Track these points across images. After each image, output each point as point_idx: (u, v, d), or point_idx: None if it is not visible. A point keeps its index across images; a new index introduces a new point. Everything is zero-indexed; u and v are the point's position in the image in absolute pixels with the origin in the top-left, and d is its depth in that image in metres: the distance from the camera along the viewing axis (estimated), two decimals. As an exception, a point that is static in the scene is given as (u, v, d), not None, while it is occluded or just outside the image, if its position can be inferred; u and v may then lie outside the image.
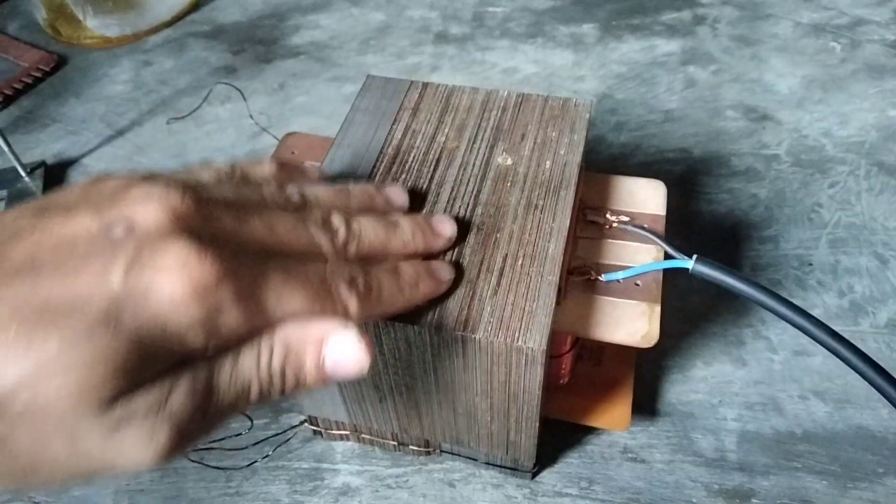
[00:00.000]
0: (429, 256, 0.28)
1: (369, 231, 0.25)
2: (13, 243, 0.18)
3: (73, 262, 0.18)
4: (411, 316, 0.26)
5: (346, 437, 0.38)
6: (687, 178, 0.52)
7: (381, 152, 0.33)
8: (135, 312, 0.18)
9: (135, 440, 0.18)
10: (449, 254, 0.28)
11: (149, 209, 0.19)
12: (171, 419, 0.18)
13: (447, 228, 0.28)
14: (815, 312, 0.38)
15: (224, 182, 0.23)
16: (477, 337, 0.26)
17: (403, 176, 0.32)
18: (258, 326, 0.20)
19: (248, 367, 0.20)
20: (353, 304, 0.22)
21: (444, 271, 0.27)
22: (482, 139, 0.33)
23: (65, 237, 0.18)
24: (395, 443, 0.37)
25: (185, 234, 0.19)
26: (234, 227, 0.21)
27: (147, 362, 0.18)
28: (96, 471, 0.18)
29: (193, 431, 0.19)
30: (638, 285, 0.31)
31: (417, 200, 0.30)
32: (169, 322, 0.18)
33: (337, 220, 0.24)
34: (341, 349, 0.21)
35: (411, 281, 0.25)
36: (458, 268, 0.28)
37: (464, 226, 0.29)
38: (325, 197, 0.25)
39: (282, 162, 0.27)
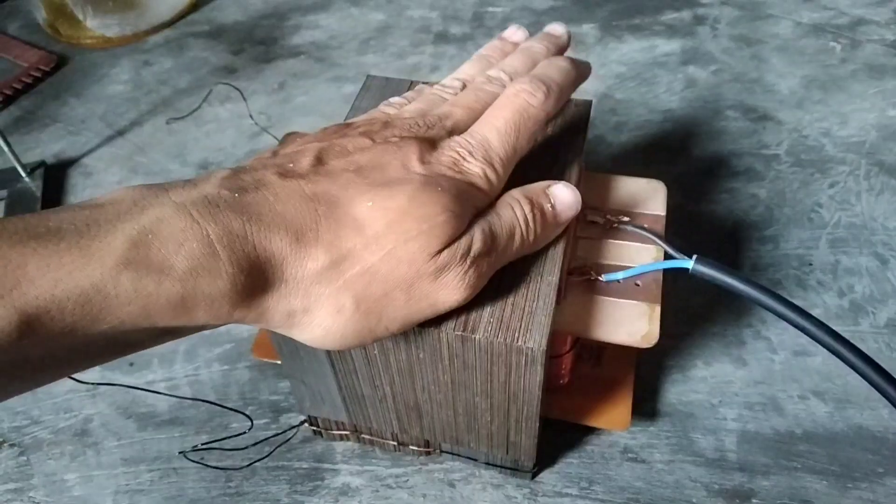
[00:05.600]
0: None
1: (518, 63, 0.31)
2: (326, 157, 0.25)
3: (379, 159, 0.25)
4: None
5: (346, 437, 0.38)
6: (687, 178, 0.52)
7: (381, 152, 0.33)
8: (447, 177, 0.25)
9: (452, 281, 0.24)
10: None
11: (409, 129, 0.27)
12: (474, 262, 0.24)
13: (561, 28, 0.34)
14: (815, 312, 0.38)
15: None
16: (477, 337, 0.26)
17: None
18: (500, 172, 0.27)
19: (509, 216, 0.26)
20: (541, 106, 0.28)
21: (569, 62, 0.31)
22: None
23: (358, 147, 0.25)
24: (395, 443, 0.37)
25: (434, 142, 0.26)
26: (447, 125, 0.28)
27: (464, 211, 0.24)
28: (421, 311, 0.24)
29: (486, 272, 0.25)
30: (638, 285, 0.31)
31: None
32: (471, 180, 0.25)
33: (494, 73, 0.30)
34: (562, 193, 0.27)
35: (565, 66, 0.30)
36: None
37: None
38: (472, 70, 0.32)
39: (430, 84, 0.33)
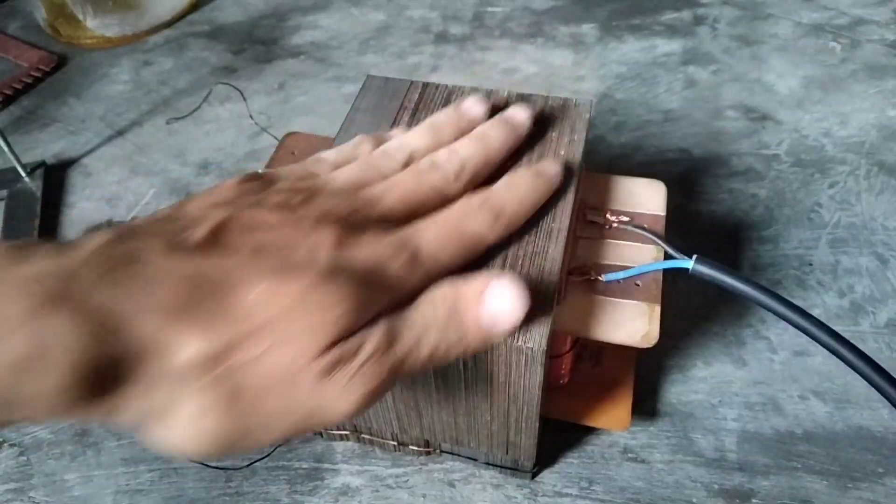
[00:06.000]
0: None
1: (470, 152, 0.28)
2: (226, 230, 0.21)
3: (286, 240, 0.22)
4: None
5: (346, 437, 0.38)
6: (687, 178, 0.52)
7: (381, 152, 0.33)
8: (360, 270, 0.22)
9: (340, 383, 0.20)
10: None
11: (336, 206, 0.24)
12: (368, 363, 0.21)
13: (523, 115, 0.31)
14: (815, 312, 0.38)
15: (350, 170, 0.27)
16: (477, 337, 0.26)
17: (403, 176, 0.32)
18: (420, 280, 0.23)
19: (423, 319, 0.22)
20: (488, 231, 0.26)
21: (551, 166, 0.29)
22: (482, 139, 0.33)
23: (265, 223, 0.22)
24: (395, 443, 0.37)
25: (357, 229, 0.23)
26: (377, 210, 0.25)
27: (369, 306, 0.21)
28: (306, 419, 0.20)
29: (386, 380, 0.21)
30: (638, 285, 0.31)
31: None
32: (389, 281, 0.22)
33: (441, 157, 0.27)
34: (498, 306, 0.22)
35: (528, 185, 0.28)
36: None
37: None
38: (421, 142, 0.29)
39: (374, 136, 0.30)
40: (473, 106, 0.31)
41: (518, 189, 0.28)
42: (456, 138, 0.29)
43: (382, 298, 0.22)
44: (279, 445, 0.39)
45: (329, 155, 0.28)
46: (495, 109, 0.32)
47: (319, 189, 0.25)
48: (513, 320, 0.23)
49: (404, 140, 0.29)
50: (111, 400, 0.18)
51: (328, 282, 0.21)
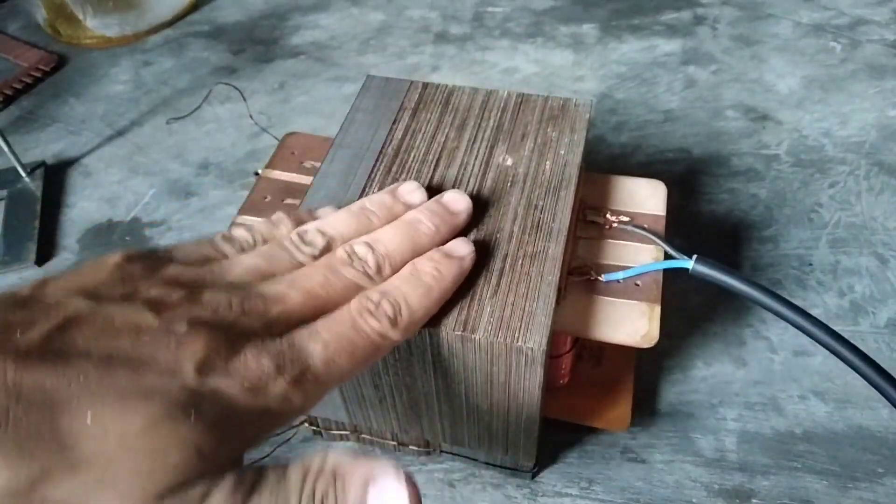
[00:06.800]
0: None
1: (395, 243, 0.25)
2: (78, 328, 0.18)
3: (145, 352, 0.18)
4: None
5: (346, 437, 0.38)
6: (687, 178, 0.52)
7: (381, 152, 0.33)
8: (225, 397, 0.18)
9: None
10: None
11: (207, 314, 0.20)
12: None
13: (462, 204, 0.28)
14: (815, 312, 0.38)
15: (248, 254, 0.24)
16: (477, 337, 0.26)
17: (403, 176, 0.32)
18: (302, 404, 0.20)
19: (293, 484, 0.18)
20: (389, 331, 0.23)
21: (461, 246, 0.27)
22: (482, 139, 0.33)
23: (128, 326, 0.18)
24: (395, 443, 0.37)
25: (239, 339, 0.20)
26: (274, 311, 0.21)
27: (222, 450, 0.18)
28: None
29: None
30: (638, 285, 0.31)
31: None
32: (266, 403, 0.19)
33: (362, 250, 0.25)
34: (386, 499, 0.19)
35: (434, 273, 0.25)
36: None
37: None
38: (344, 227, 0.26)
39: (295, 215, 0.27)
40: (411, 193, 0.28)
41: (423, 277, 0.25)
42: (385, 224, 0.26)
43: (255, 429, 0.19)
44: (276, 448, 0.39)
45: (239, 234, 0.25)
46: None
47: (210, 281, 0.22)
48: None
49: (325, 224, 0.26)
50: None
51: (175, 418, 0.17)
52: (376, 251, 0.25)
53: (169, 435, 0.17)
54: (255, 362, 0.19)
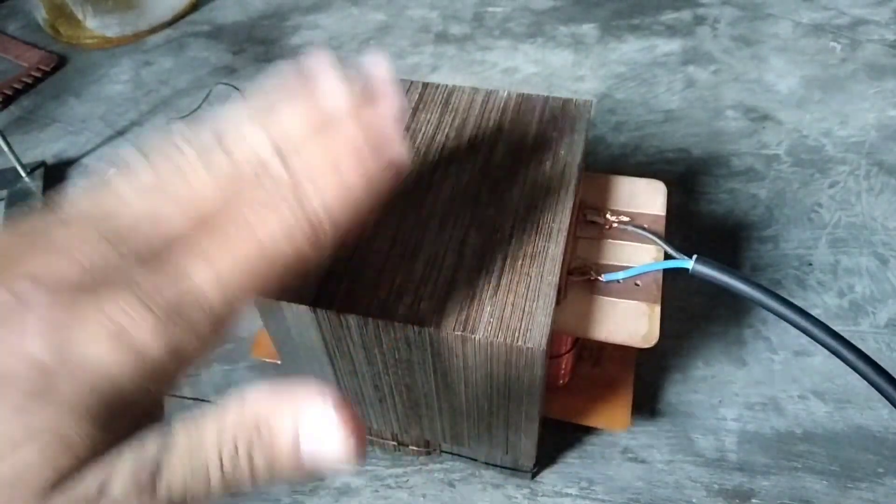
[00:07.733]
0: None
1: (316, 163, 0.18)
2: None
3: None
4: (412, 315, 0.26)
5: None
6: (687, 178, 0.52)
7: (381, 152, 0.33)
8: (72, 377, 0.14)
9: None
10: (455, 246, 0.28)
11: (57, 264, 0.15)
12: None
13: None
14: (815, 312, 0.38)
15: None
16: (477, 337, 0.26)
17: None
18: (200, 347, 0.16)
19: (209, 444, 0.15)
20: (318, 243, 0.18)
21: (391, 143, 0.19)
22: (482, 139, 0.33)
23: None
24: (395, 443, 0.37)
25: (107, 287, 0.15)
26: (155, 241, 0.16)
27: (97, 428, 0.15)
28: None
29: None
30: (638, 285, 0.31)
31: (417, 201, 0.30)
32: (114, 377, 0.15)
33: (276, 168, 0.18)
34: (321, 439, 0.16)
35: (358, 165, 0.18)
36: (459, 265, 0.28)
37: (464, 226, 0.29)
38: (256, 136, 0.18)
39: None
40: (329, 82, 0.19)
41: (345, 172, 0.18)
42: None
43: (138, 393, 0.15)
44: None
45: (136, 159, 0.18)
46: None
47: (73, 220, 0.16)
48: (337, 458, 0.16)
49: (220, 122, 0.18)
50: None
51: (25, 409, 0.14)
52: (293, 172, 0.18)
53: (24, 430, 0.14)
54: (121, 310, 0.15)
